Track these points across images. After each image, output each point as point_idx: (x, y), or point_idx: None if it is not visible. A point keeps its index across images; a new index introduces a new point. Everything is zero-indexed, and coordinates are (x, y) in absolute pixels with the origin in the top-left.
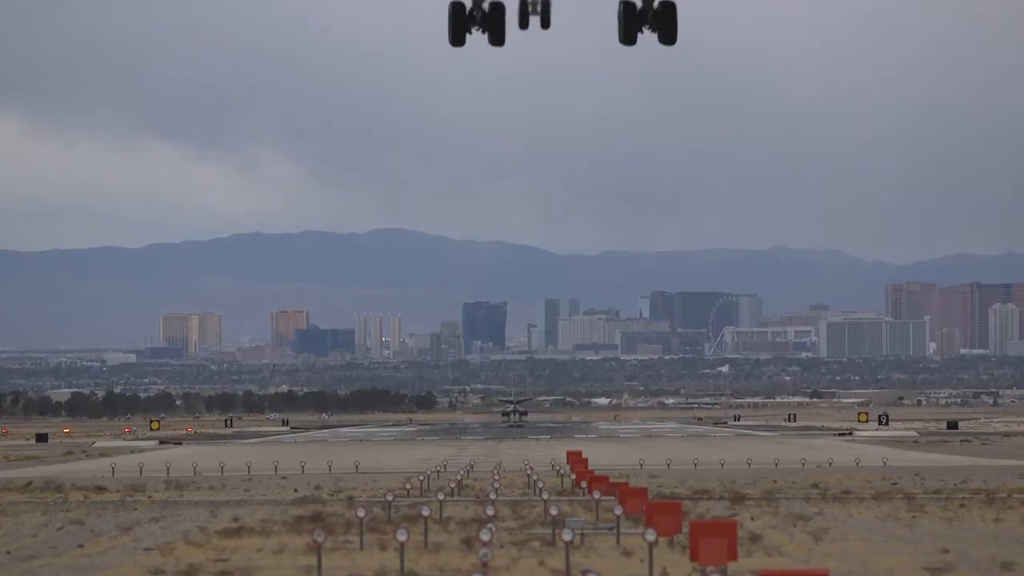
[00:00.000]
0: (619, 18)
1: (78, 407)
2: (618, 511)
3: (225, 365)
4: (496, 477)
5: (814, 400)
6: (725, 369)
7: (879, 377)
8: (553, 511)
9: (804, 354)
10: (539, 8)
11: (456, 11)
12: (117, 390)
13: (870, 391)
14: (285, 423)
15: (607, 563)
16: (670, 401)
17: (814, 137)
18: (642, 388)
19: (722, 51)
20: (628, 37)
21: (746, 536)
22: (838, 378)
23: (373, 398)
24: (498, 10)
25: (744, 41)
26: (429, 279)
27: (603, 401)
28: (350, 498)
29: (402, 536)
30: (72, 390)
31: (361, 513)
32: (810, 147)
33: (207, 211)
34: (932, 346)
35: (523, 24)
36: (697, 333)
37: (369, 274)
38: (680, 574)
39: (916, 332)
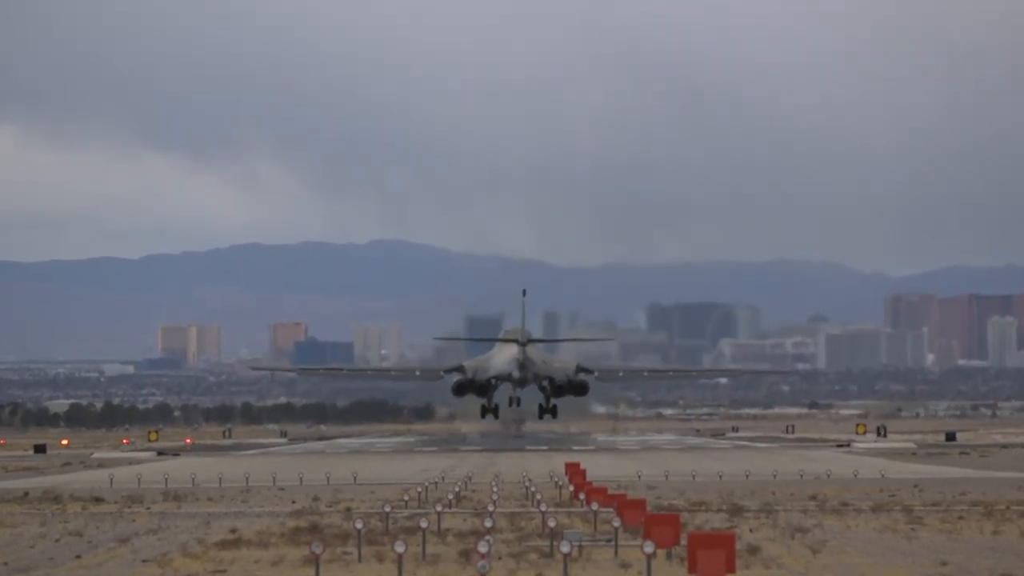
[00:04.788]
0: (537, 410)
1: (76, 418)
2: (616, 523)
3: (224, 376)
4: (495, 488)
5: (812, 411)
6: (723, 380)
7: (877, 388)
8: (551, 523)
9: (801, 365)
10: (516, 400)
11: (483, 408)
12: (115, 401)
13: (868, 402)
14: (283, 435)
15: (605, 575)
16: (668, 412)
17: (813, 148)
18: (640, 399)
19: (721, 63)
20: (540, 417)
21: (744, 548)
22: (836, 388)
23: (372, 409)
24: (498, 406)
25: (742, 52)
26: (428, 291)
27: (601, 411)
28: (348, 509)
29: (400, 548)
30: (70, 401)
31: (359, 525)
32: (809, 158)
33: (205, 222)
34: (931, 357)
35: (510, 405)
36: (695, 344)
37: (368, 285)
38: None
39: (914, 343)
